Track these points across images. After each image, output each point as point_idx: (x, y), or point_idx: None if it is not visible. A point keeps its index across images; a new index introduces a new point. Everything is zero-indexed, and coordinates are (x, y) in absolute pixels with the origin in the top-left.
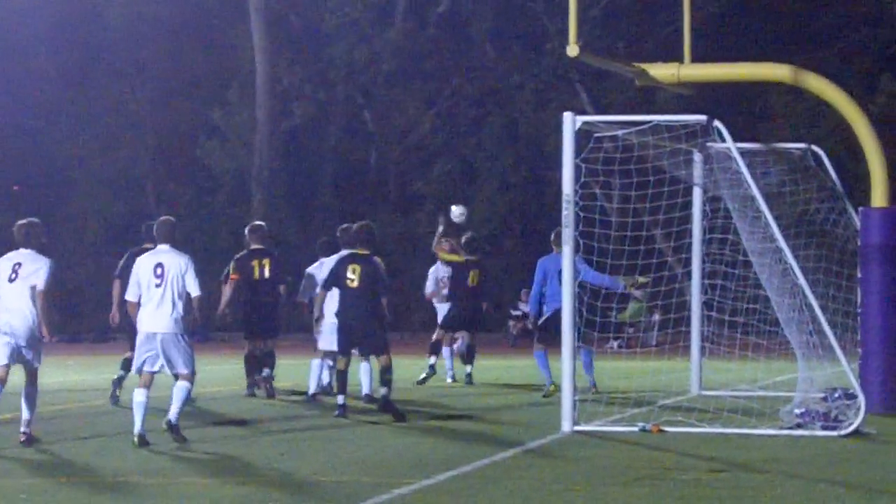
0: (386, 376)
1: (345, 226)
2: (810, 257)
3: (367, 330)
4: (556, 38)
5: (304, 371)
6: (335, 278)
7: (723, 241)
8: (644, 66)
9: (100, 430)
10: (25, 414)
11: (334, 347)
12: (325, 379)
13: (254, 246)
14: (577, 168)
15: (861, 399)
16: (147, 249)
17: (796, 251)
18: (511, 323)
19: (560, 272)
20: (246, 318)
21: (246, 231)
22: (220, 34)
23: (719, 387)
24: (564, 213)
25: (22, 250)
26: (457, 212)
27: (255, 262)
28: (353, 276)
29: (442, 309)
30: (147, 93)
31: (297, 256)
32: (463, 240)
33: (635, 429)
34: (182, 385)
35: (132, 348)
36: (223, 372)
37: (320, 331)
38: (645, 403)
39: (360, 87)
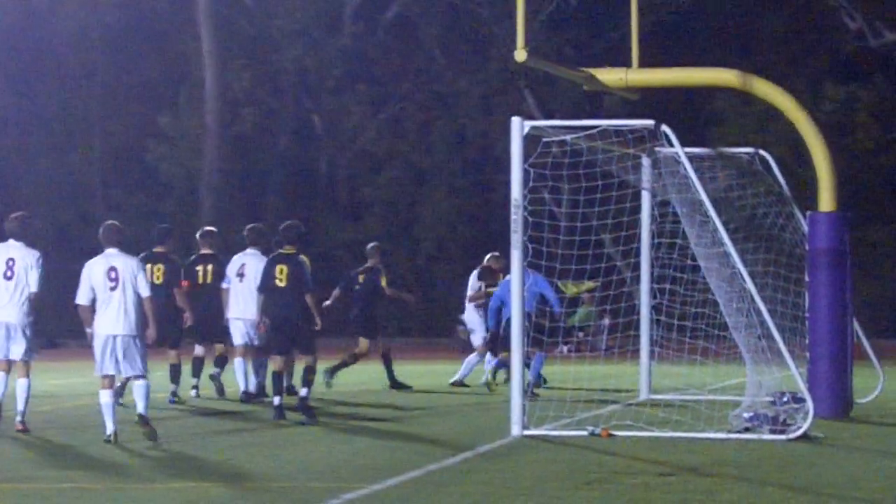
0: (308, 377)
1: (251, 226)
2: (758, 261)
3: (295, 329)
4: (504, 43)
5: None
6: (267, 278)
7: (671, 245)
8: (592, 70)
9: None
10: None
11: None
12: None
13: (203, 251)
14: (525, 173)
15: (809, 403)
16: (157, 253)
17: (744, 255)
18: (460, 328)
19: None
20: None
21: (197, 236)
22: (170, 40)
23: (668, 391)
24: (513, 217)
25: (12, 242)
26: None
27: (199, 268)
28: (280, 275)
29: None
30: (96, 98)
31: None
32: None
33: (585, 433)
34: (141, 383)
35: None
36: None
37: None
38: (594, 407)
39: (310, 92)
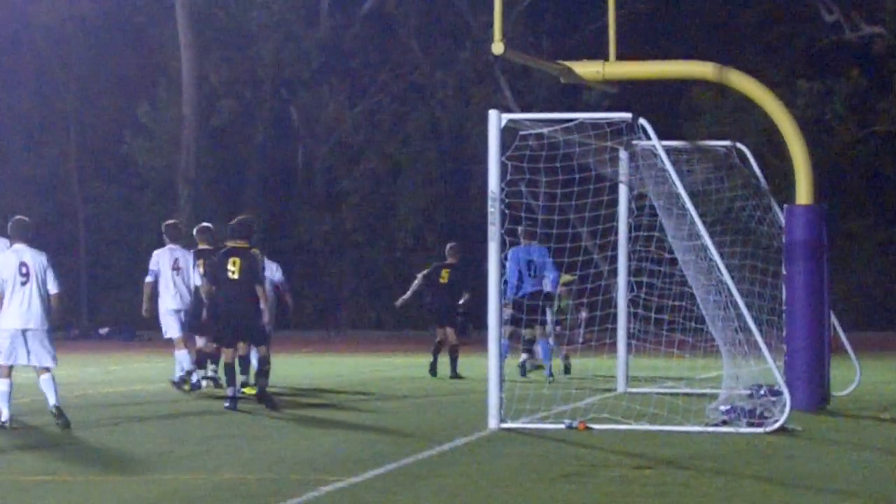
0: (264, 367)
1: (170, 221)
2: (735, 254)
3: (248, 321)
4: (480, 35)
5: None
6: (217, 271)
7: (648, 238)
8: (569, 63)
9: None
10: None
11: (172, 335)
12: (187, 367)
13: (200, 247)
14: (502, 166)
15: (786, 396)
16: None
17: (721, 248)
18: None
19: (529, 262)
20: (196, 317)
21: (194, 232)
22: (147, 32)
23: (645, 384)
24: (490, 210)
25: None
26: None
27: (198, 262)
28: (233, 268)
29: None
30: (73, 90)
31: None
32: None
33: (562, 426)
34: (47, 376)
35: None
36: (146, 370)
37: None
38: (571, 400)
39: (287, 84)
